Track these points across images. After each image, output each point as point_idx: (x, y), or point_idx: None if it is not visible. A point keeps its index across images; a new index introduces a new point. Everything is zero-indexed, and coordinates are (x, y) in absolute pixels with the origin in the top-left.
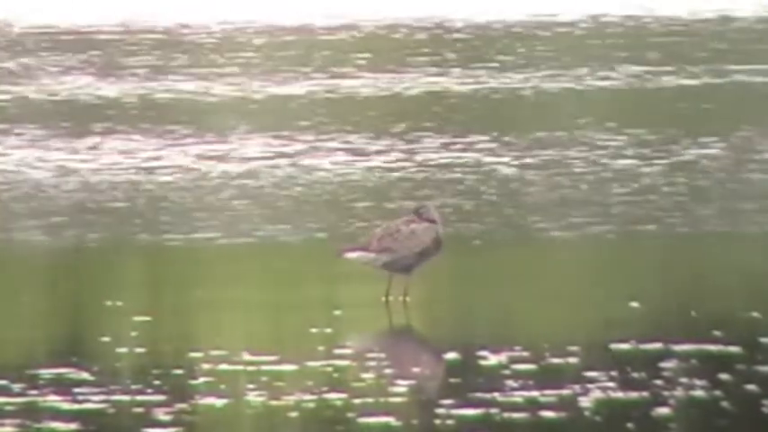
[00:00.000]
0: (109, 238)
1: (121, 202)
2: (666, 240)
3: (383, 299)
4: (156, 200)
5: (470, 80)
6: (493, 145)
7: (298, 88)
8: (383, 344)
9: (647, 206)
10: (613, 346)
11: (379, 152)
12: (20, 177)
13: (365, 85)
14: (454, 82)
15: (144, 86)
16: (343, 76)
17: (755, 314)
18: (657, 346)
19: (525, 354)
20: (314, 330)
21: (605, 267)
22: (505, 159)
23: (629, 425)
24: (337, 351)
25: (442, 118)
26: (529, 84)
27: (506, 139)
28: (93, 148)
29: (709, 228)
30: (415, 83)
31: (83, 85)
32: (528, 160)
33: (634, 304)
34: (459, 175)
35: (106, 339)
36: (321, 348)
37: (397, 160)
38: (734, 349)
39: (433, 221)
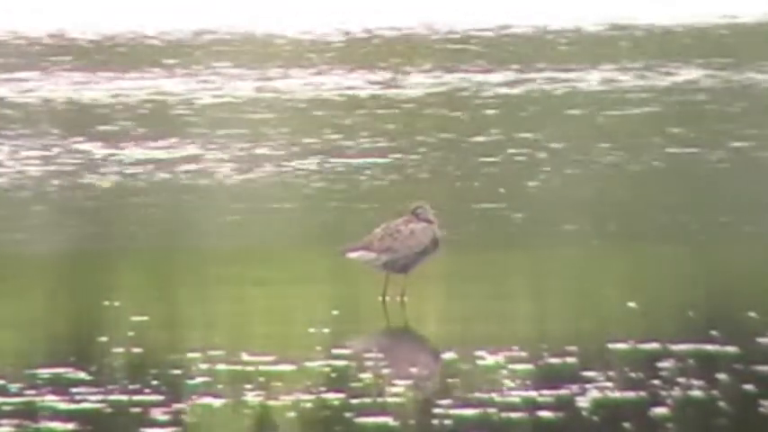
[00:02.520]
0: (100, 240)
1: (106, 203)
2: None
3: (380, 299)
4: (138, 204)
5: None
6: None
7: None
8: (381, 344)
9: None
10: (611, 346)
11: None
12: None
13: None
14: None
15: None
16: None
17: (752, 314)
18: (655, 346)
19: (523, 354)
20: (312, 330)
21: (603, 268)
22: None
23: (627, 425)
24: (335, 351)
25: None
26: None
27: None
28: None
29: None
30: None
31: None
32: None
33: (631, 304)
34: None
35: (104, 339)
36: (319, 348)
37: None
38: (731, 349)
39: (429, 221)
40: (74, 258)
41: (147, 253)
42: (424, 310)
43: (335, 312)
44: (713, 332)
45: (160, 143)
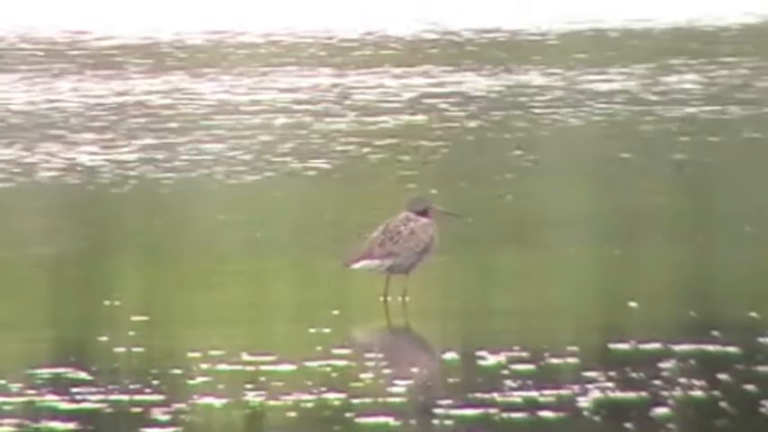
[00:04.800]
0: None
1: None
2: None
3: (381, 299)
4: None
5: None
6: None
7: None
8: (382, 344)
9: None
10: (612, 345)
11: None
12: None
13: None
14: None
15: None
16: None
17: (754, 314)
18: (656, 346)
19: (524, 354)
20: (312, 330)
21: (603, 267)
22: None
23: (628, 425)
24: (336, 351)
25: None
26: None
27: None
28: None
29: None
30: None
31: None
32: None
33: (633, 304)
34: None
35: (104, 339)
36: (320, 348)
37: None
38: (732, 349)
39: (426, 214)
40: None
41: (140, 248)
42: (426, 309)
43: (336, 312)
44: (714, 332)
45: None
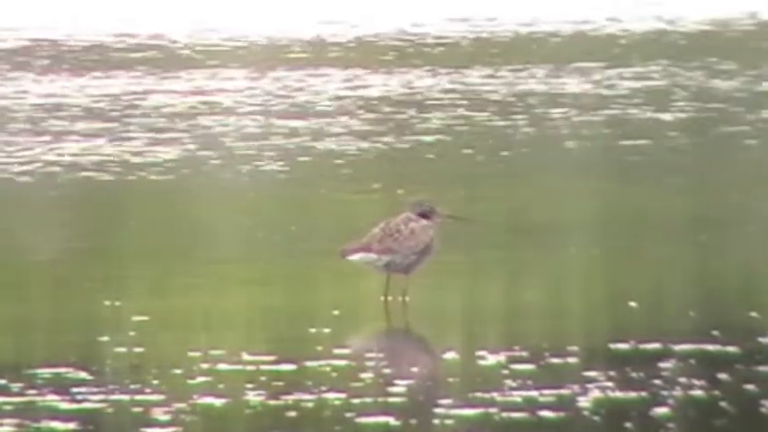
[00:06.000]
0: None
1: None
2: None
3: (382, 299)
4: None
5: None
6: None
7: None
8: (382, 344)
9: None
10: (612, 345)
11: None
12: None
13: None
14: None
15: None
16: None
17: (754, 314)
18: (656, 345)
19: (524, 353)
20: (312, 330)
21: (603, 267)
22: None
23: (628, 424)
24: (336, 351)
25: None
26: None
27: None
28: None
29: None
30: None
31: None
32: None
33: (633, 304)
34: None
35: (104, 339)
36: (320, 348)
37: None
38: (732, 349)
39: (429, 217)
40: None
41: (141, 247)
42: (426, 309)
43: (336, 312)
44: (714, 332)
45: None
